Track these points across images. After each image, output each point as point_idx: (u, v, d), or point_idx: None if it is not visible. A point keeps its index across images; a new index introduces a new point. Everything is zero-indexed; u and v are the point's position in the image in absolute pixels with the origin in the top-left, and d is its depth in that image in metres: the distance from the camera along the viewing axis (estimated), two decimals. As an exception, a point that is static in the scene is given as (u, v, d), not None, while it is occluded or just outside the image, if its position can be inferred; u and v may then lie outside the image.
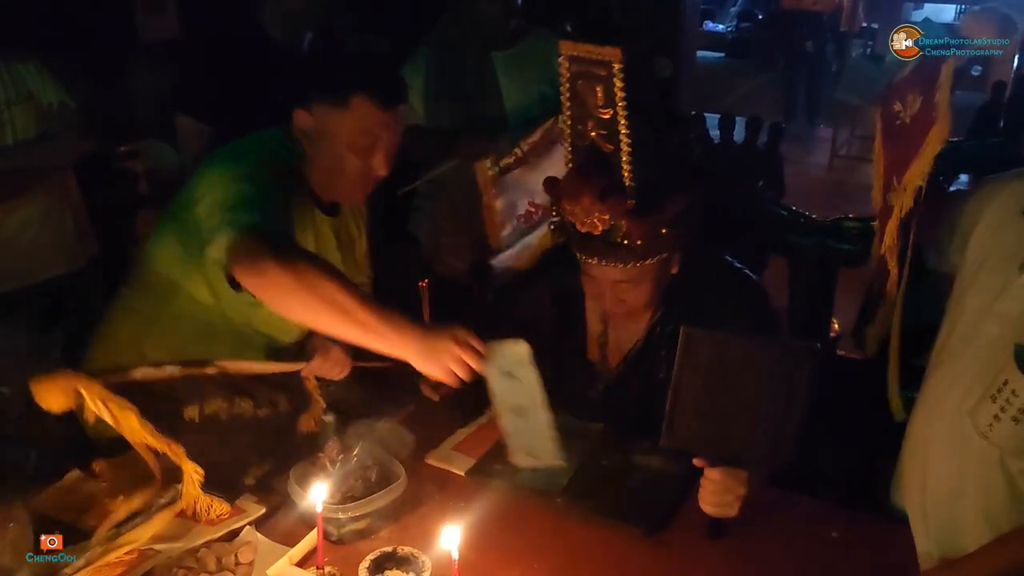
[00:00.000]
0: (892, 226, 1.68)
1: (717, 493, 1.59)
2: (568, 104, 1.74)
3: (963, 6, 10.90)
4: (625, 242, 1.73)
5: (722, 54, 12.25)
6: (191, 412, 1.65)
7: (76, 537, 1.53)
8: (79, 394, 1.46)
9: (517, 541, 1.62)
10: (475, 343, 1.51)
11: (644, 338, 1.95)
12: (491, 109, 2.82)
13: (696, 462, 1.61)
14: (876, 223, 1.87)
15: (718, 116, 3.09)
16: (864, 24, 10.23)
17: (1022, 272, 1.49)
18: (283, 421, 1.81)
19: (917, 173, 1.58)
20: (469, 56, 2.83)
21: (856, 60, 6.79)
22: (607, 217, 1.70)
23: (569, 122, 1.77)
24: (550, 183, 1.84)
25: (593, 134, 1.73)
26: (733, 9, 13.12)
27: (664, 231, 1.74)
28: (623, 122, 1.64)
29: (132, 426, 1.50)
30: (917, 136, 1.59)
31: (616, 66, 1.59)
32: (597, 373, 2.04)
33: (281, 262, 1.46)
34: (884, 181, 1.80)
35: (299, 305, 1.48)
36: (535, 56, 2.79)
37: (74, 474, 1.73)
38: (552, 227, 1.90)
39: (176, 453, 1.55)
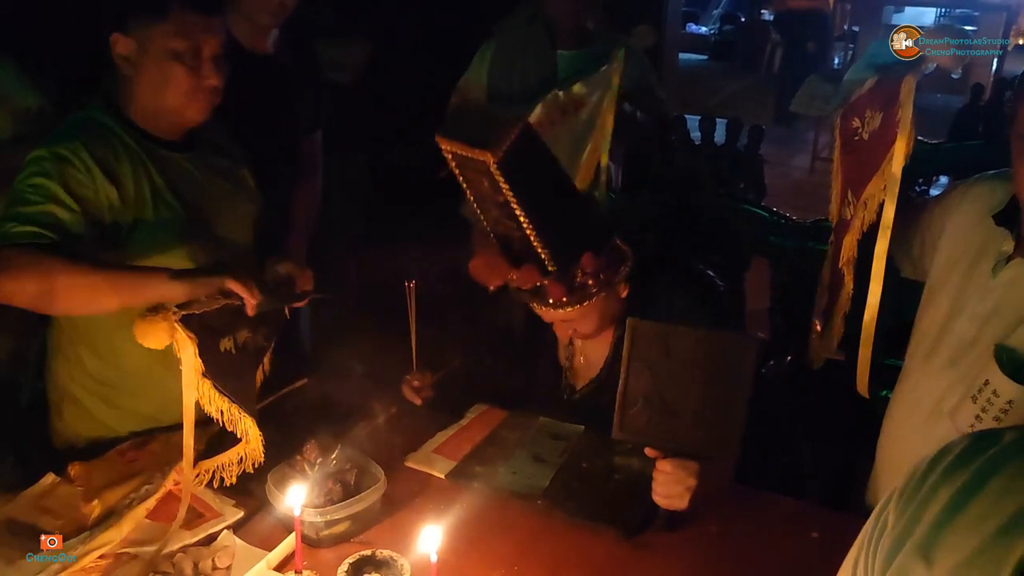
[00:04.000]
0: (851, 240, 1.69)
1: (667, 484, 1.61)
2: (466, 187, 1.78)
3: (944, 9, 11.01)
4: (551, 300, 1.80)
5: (705, 56, 12.31)
6: (227, 344, 1.66)
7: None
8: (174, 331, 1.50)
9: (497, 544, 1.61)
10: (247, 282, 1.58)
11: (610, 355, 1.99)
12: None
13: (648, 452, 1.64)
14: (832, 237, 1.89)
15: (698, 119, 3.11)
16: (845, 27, 10.31)
17: (995, 273, 1.50)
18: (252, 358, 1.81)
19: (880, 188, 1.59)
20: (532, 51, 2.84)
21: (813, 78, 6.81)
22: (528, 282, 1.78)
23: (474, 201, 1.81)
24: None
25: (495, 213, 1.77)
26: (716, 12, 13.19)
27: (590, 283, 1.80)
28: (516, 209, 1.68)
29: (190, 359, 1.52)
30: (876, 152, 1.60)
31: (492, 167, 1.62)
32: (568, 381, 2.08)
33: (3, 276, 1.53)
34: (840, 196, 1.82)
35: (49, 303, 1.58)
36: (598, 61, 2.80)
37: (49, 478, 1.71)
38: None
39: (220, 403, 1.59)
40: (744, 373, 1.57)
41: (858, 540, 0.89)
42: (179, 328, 1.50)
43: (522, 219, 1.68)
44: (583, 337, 1.97)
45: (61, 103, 2.73)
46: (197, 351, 1.54)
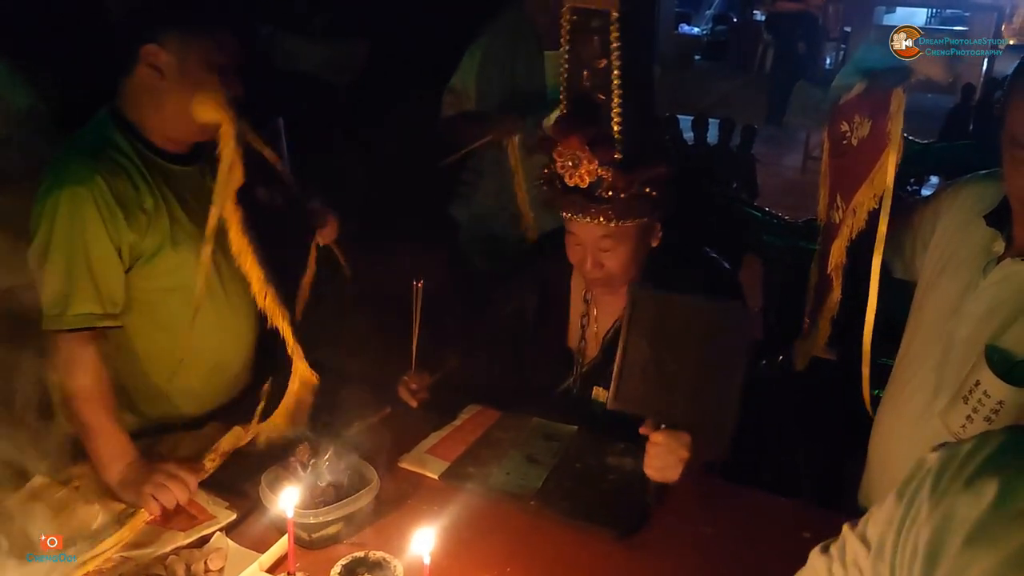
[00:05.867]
0: (840, 246, 1.70)
1: (660, 456, 1.62)
2: (566, 55, 1.79)
3: (935, 9, 11.04)
4: (609, 194, 1.77)
5: (697, 57, 12.32)
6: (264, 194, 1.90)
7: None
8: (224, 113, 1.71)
9: (490, 545, 1.61)
10: (185, 475, 1.67)
11: (617, 324, 1.97)
12: (535, 102, 2.85)
13: (642, 430, 1.65)
14: (820, 240, 1.90)
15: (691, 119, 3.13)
16: (838, 28, 10.33)
17: (986, 273, 1.51)
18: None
19: (869, 196, 1.60)
20: (520, 51, 2.87)
21: (801, 85, 6.84)
22: (594, 166, 1.75)
23: (565, 73, 1.81)
24: (544, 135, 1.90)
25: (587, 84, 1.78)
26: (708, 12, 13.21)
27: (647, 190, 1.79)
28: (616, 72, 1.69)
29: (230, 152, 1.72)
30: (865, 159, 1.61)
31: (613, 15, 1.64)
32: (575, 361, 2.08)
33: (65, 368, 1.70)
34: (828, 199, 1.82)
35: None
36: None
37: (37, 480, 1.68)
38: (541, 181, 1.93)
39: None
40: (738, 343, 1.60)
41: (880, 517, 0.91)
42: (226, 107, 1.70)
43: (615, 87, 1.71)
44: (607, 278, 1.92)
45: (55, 102, 2.71)
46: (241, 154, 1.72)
